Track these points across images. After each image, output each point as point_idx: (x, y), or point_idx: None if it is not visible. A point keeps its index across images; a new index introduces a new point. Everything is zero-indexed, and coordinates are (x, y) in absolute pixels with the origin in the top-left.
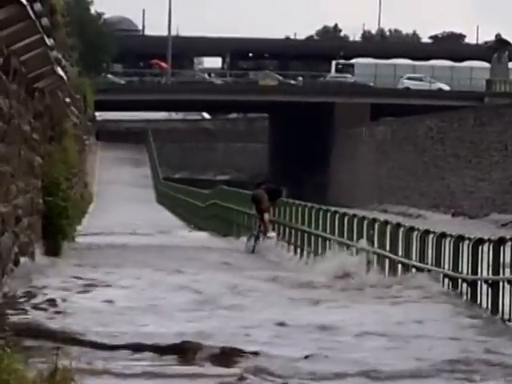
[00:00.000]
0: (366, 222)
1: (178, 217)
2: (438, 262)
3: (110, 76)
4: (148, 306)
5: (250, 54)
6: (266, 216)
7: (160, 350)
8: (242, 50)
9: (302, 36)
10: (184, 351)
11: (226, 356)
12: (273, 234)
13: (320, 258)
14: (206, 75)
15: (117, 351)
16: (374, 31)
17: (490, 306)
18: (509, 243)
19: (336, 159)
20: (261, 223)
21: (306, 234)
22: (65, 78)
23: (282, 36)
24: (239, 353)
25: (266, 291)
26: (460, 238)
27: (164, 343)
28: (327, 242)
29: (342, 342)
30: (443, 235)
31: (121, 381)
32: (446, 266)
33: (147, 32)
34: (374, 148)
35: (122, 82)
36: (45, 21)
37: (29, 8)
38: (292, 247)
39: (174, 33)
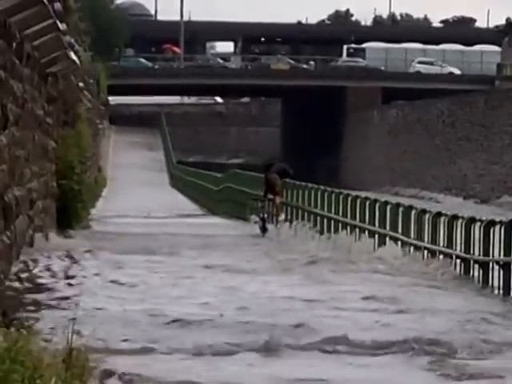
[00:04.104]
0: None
1: (192, 200)
2: (450, 243)
3: (142, 60)
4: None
5: (262, 39)
6: (278, 199)
7: None
8: (254, 35)
9: (313, 20)
10: None
11: None
12: (283, 217)
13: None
14: (220, 60)
15: None
16: (385, 16)
17: (501, 287)
18: None
19: (348, 143)
20: (272, 206)
21: (318, 217)
22: (78, 62)
23: (293, 20)
24: None
25: None
26: (472, 220)
27: None
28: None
29: None
30: (455, 217)
31: None
32: (458, 248)
33: (159, 17)
34: (386, 131)
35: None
36: (57, 6)
37: None
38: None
39: (186, 18)
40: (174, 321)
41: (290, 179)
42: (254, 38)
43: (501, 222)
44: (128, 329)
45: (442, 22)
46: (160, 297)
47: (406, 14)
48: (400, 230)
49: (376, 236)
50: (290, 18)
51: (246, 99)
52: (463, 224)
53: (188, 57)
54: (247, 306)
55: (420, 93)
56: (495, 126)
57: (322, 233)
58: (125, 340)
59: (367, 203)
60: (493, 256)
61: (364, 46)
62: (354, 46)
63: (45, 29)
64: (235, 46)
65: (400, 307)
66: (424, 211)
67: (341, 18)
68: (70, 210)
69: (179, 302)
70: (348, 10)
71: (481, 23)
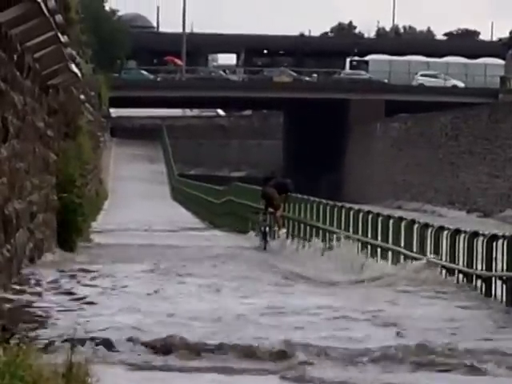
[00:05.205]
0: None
1: (193, 213)
2: (452, 257)
3: (143, 72)
4: None
5: (265, 51)
6: (279, 213)
7: None
8: (257, 47)
9: (316, 33)
10: None
11: None
12: (283, 231)
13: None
14: (222, 72)
15: None
16: (388, 28)
17: (504, 301)
18: None
19: (351, 156)
20: (272, 219)
21: (321, 230)
22: (79, 74)
23: (296, 33)
24: None
25: None
26: (474, 235)
27: None
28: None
29: None
30: (457, 231)
31: None
32: (461, 262)
33: (161, 29)
34: (389, 144)
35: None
36: (59, 18)
37: (42, 5)
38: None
39: (188, 30)
40: None
41: (291, 194)
42: (257, 50)
43: (504, 237)
44: None
45: (445, 34)
46: None
47: (410, 27)
48: (402, 244)
49: (379, 249)
50: (293, 31)
51: (248, 112)
52: (466, 238)
53: (190, 69)
54: None
55: (423, 106)
56: (498, 139)
57: (325, 248)
58: None
59: (369, 217)
60: (496, 270)
61: (367, 58)
62: (356, 58)
63: (46, 41)
64: (238, 59)
65: None
66: (427, 225)
67: (344, 31)
68: (70, 223)
69: None
70: (351, 23)
71: (484, 36)
